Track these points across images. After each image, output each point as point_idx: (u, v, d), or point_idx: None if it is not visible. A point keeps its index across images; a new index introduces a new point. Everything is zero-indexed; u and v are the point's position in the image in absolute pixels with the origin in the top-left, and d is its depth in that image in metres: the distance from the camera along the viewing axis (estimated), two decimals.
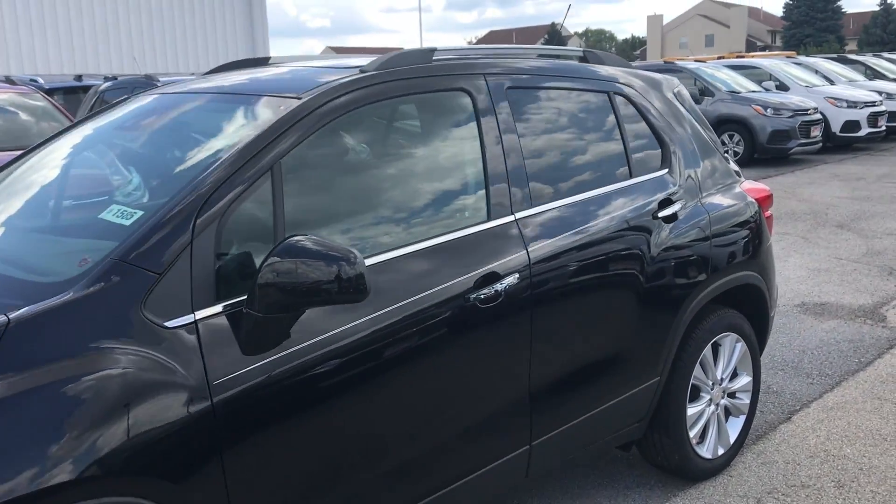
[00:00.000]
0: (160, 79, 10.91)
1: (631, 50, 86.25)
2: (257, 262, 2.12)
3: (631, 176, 3.20)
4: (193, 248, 2.04)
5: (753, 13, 79.52)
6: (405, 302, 2.35)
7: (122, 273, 1.96)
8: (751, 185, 3.79)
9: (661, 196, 3.23)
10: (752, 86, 15.00)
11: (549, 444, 2.84)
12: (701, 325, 3.36)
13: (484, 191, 2.69)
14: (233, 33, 20.82)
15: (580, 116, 3.15)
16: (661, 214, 3.18)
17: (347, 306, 2.19)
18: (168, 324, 1.96)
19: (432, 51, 2.79)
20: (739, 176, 3.78)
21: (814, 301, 6.07)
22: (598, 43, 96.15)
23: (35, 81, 11.85)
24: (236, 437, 2.02)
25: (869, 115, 15.19)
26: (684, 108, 3.63)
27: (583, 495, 3.40)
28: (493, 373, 2.62)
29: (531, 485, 3.39)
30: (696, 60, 16.54)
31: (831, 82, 16.92)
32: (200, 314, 2.01)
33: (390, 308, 2.31)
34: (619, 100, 3.28)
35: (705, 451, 3.47)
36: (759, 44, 71.74)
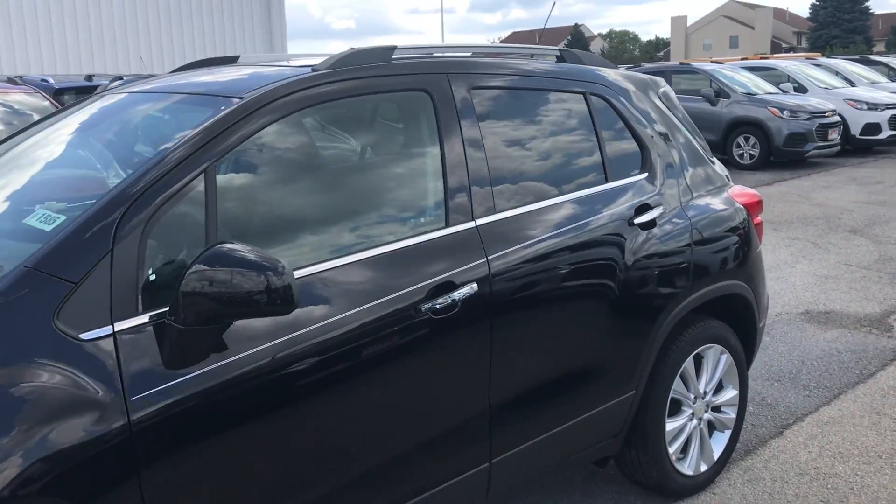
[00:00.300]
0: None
1: (655, 51, 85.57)
2: None
3: (607, 180, 3.06)
4: (115, 256, 1.93)
5: (779, 14, 78.69)
6: (350, 312, 2.23)
7: (35, 282, 1.86)
8: (740, 190, 3.64)
9: (637, 201, 3.08)
10: (770, 87, 14.71)
11: (511, 461, 2.70)
12: (681, 337, 3.21)
13: (443, 196, 2.57)
14: (251, 35, 20.74)
15: (551, 118, 3.01)
16: (637, 221, 3.04)
17: (285, 317, 2.08)
18: (84, 336, 1.85)
19: (392, 49, 2.67)
20: (728, 180, 3.63)
21: (818, 309, 5.87)
22: (621, 44, 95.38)
23: (46, 81, 11.86)
24: (156, 457, 1.90)
25: (890, 117, 14.77)
26: (669, 109, 3.48)
27: None
28: (447, 387, 2.49)
29: (506, 501, 3.25)
30: (713, 62, 16.26)
31: (852, 84, 16.55)
32: (120, 326, 1.90)
33: (333, 319, 2.20)
34: (595, 101, 3.14)
35: (686, 468, 3.32)
36: (784, 45, 70.98)
